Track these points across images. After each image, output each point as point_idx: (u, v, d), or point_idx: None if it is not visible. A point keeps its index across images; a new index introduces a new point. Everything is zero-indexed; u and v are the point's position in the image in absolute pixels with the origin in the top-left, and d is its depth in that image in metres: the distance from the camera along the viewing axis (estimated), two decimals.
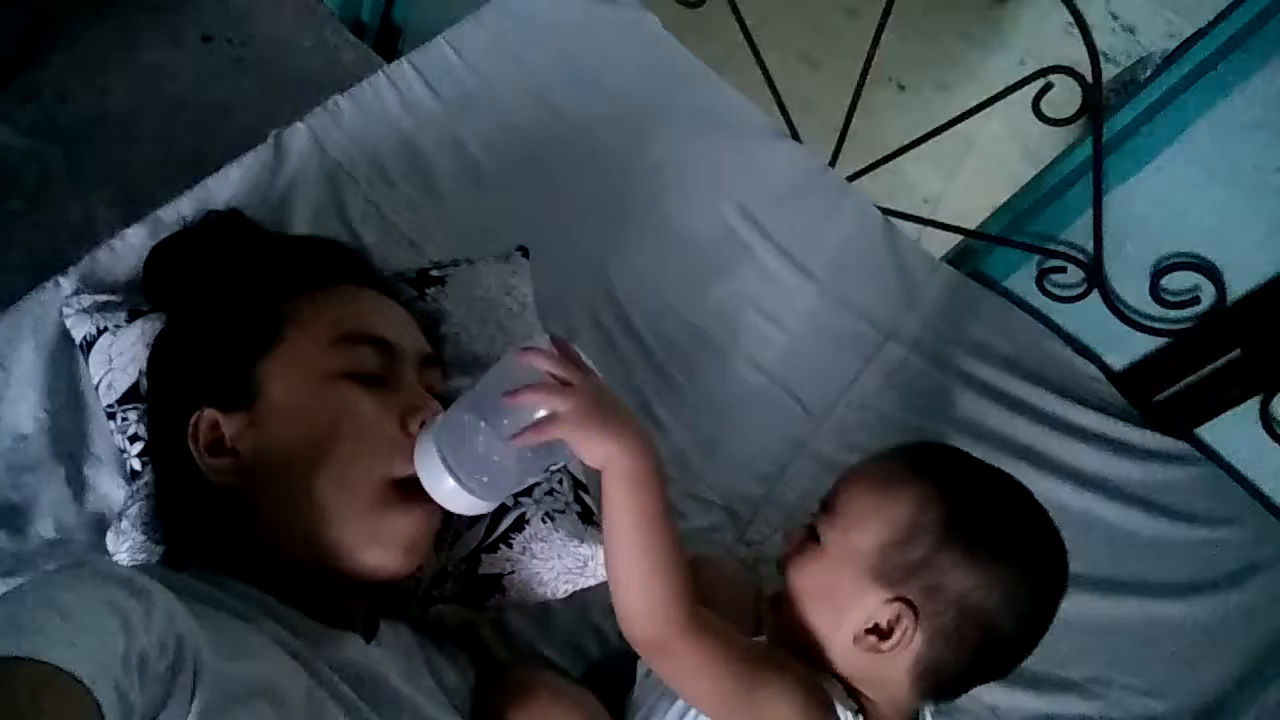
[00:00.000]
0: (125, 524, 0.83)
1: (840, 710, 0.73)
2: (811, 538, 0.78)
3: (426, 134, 1.24)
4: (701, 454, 1.15)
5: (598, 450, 0.70)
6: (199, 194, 1.07)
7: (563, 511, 0.88)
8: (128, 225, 1.04)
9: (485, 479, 0.71)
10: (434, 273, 1.03)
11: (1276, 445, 1.33)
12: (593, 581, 0.89)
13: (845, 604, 0.75)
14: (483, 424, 0.71)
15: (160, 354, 0.85)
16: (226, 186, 1.09)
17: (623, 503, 0.71)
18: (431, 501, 0.73)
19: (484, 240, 1.15)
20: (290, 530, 0.74)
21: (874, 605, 0.73)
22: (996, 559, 0.72)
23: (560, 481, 0.91)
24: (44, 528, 0.87)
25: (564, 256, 1.20)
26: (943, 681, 0.75)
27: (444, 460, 0.70)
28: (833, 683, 0.75)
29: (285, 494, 0.73)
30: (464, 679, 0.85)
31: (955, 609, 0.72)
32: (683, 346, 1.22)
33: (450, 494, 0.71)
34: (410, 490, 0.74)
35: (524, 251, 1.11)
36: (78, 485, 0.90)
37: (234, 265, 0.86)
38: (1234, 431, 1.37)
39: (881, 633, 0.73)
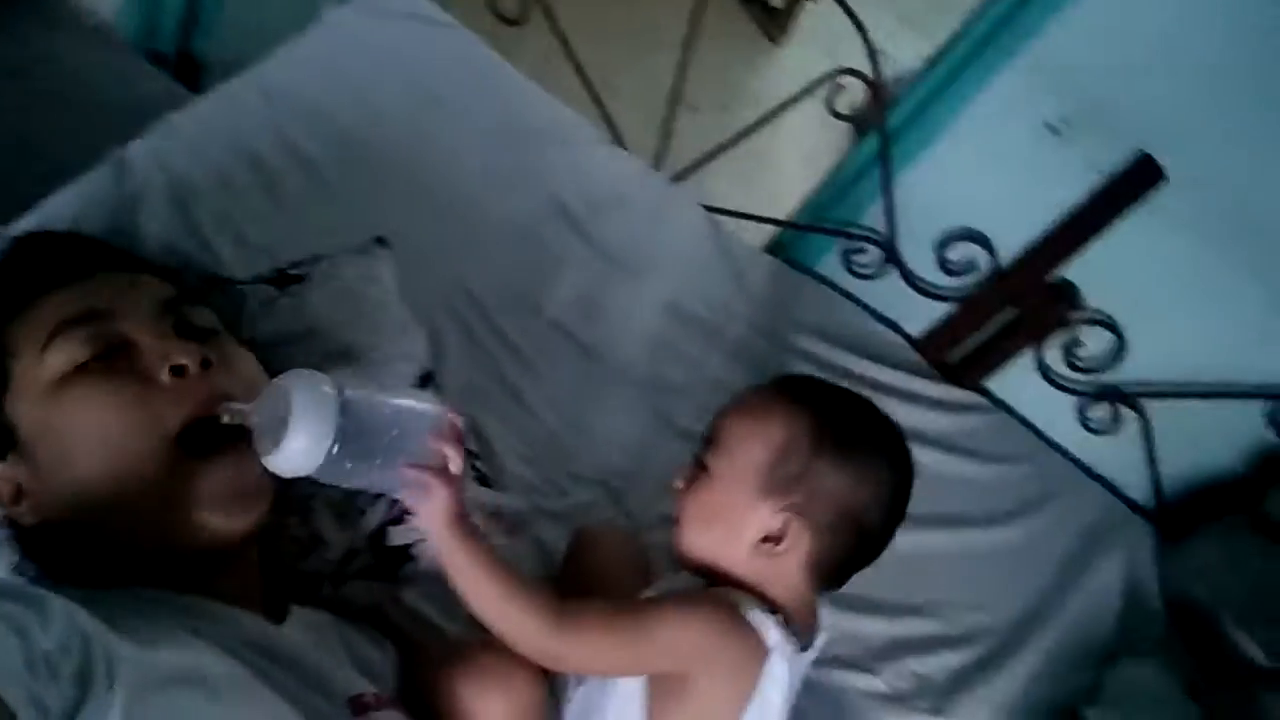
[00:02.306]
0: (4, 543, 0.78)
1: (760, 616, 0.81)
2: (700, 468, 0.88)
3: (266, 145, 1.24)
4: (573, 434, 1.21)
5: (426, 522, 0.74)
6: (44, 213, 1.03)
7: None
8: None
9: (344, 462, 0.68)
10: (293, 271, 1.04)
11: (1051, 389, 1.56)
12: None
13: (739, 520, 0.84)
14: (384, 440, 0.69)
15: None
16: (67, 208, 1.05)
17: (457, 555, 0.74)
18: (232, 448, 0.71)
19: (336, 243, 1.16)
20: (125, 530, 0.72)
21: (766, 516, 0.84)
22: (861, 459, 0.84)
23: None
24: None
25: (415, 255, 1.22)
26: (829, 572, 0.86)
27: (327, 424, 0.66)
28: (744, 596, 0.83)
29: (93, 507, 0.71)
30: (385, 657, 0.86)
31: (833, 506, 0.83)
32: (543, 337, 1.28)
33: (302, 450, 0.66)
34: (196, 441, 0.72)
35: (381, 241, 1.13)
36: None
37: None
38: (1016, 381, 1.58)
39: (774, 539, 0.83)
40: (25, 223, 1.01)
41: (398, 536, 0.88)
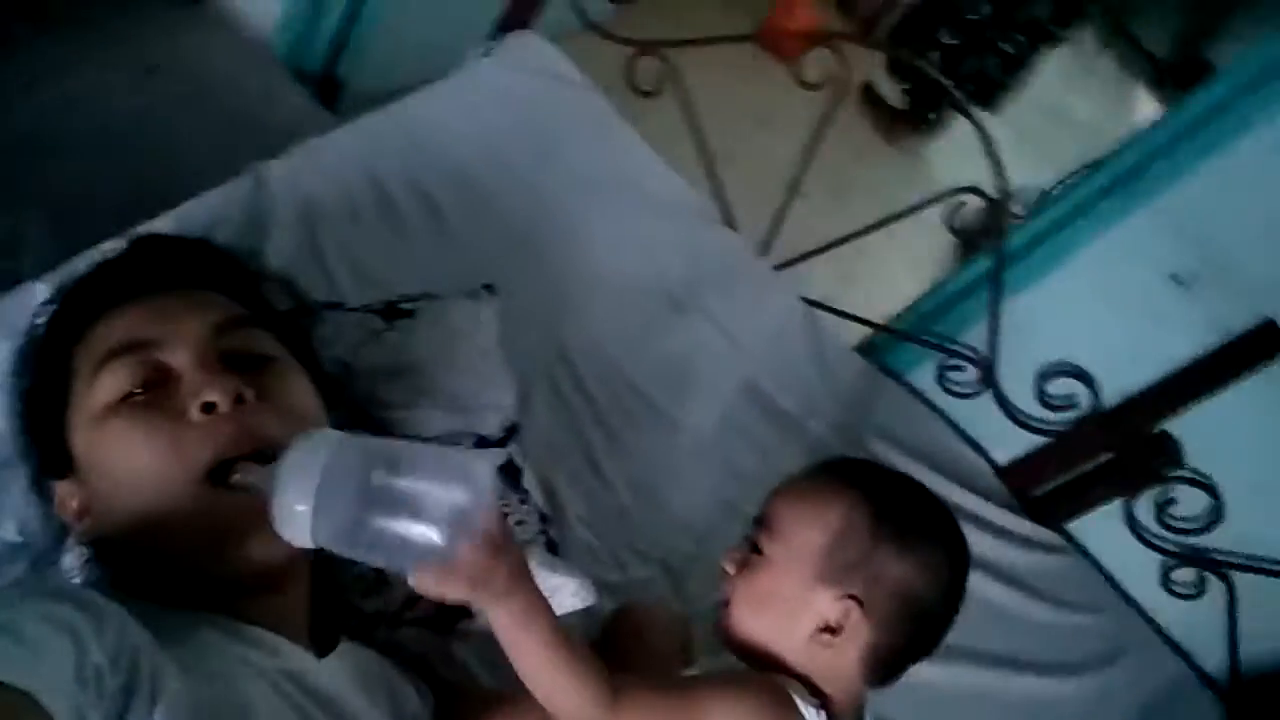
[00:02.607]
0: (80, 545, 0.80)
1: (803, 706, 0.78)
2: (753, 551, 0.85)
3: (397, 180, 1.28)
4: (642, 508, 1.20)
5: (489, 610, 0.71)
6: (180, 215, 1.07)
7: (531, 541, 0.92)
8: (58, 246, 1.02)
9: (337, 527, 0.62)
10: (402, 305, 1.06)
11: (1137, 543, 1.49)
12: (559, 612, 0.91)
13: (796, 608, 0.82)
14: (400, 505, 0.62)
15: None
16: (204, 214, 1.09)
17: (515, 640, 0.72)
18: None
19: (447, 283, 1.18)
20: (172, 555, 0.72)
21: (824, 605, 0.81)
22: (921, 545, 0.82)
23: (529, 514, 0.94)
24: (7, 530, 0.85)
25: (520, 306, 1.24)
26: (887, 664, 0.83)
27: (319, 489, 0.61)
28: (792, 682, 0.80)
29: (140, 533, 0.72)
30: (425, 705, 0.85)
31: (895, 595, 0.81)
32: (628, 404, 1.28)
33: (296, 517, 0.62)
34: (225, 473, 0.70)
35: (490, 289, 1.14)
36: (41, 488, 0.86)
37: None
38: (1101, 528, 1.52)
39: (833, 629, 0.81)
40: (161, 223, 1.05)
41: None
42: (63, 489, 0.76)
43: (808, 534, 0.82)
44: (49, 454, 0.76)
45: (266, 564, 0.72)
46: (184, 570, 0.73)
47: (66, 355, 0.76)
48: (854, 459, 0.94)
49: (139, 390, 0.72)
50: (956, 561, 0.85)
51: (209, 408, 0.72)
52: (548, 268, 1.35)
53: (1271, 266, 1.25)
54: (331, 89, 1.99)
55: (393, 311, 1.05)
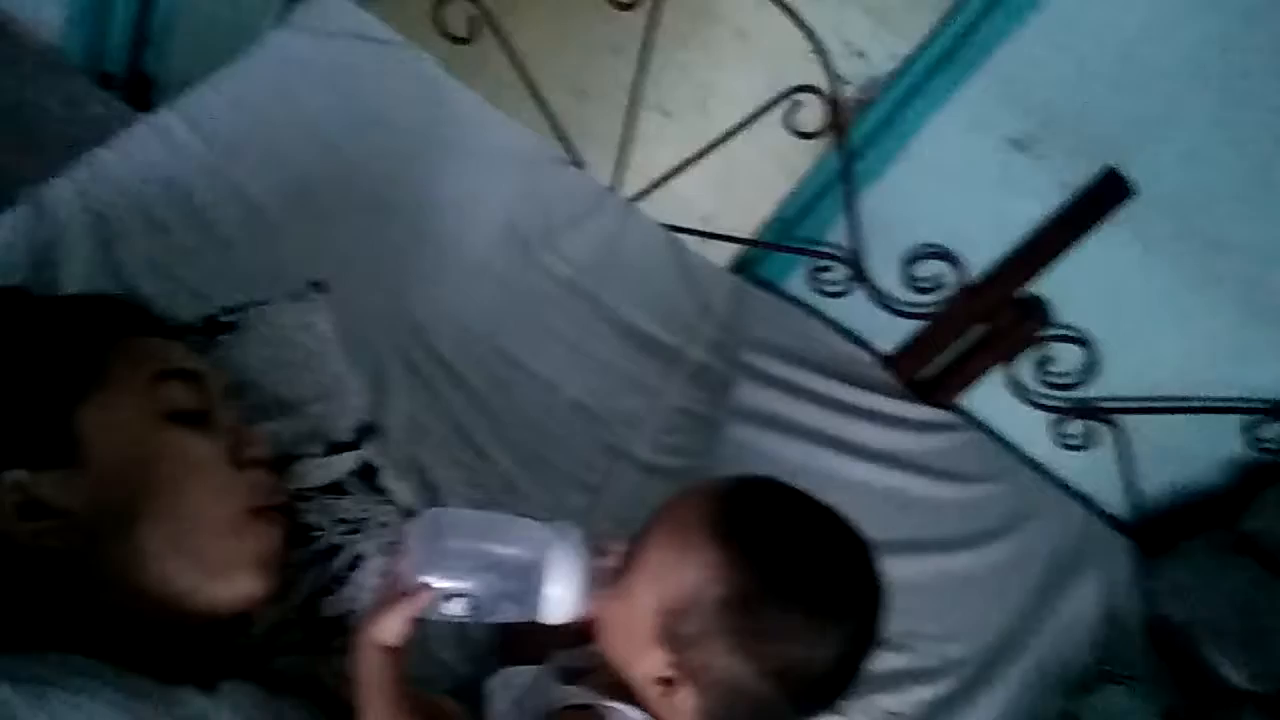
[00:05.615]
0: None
1: None
2: (621, 571, 0.76)
3: (200, 181, 1.19)
4: (526, 473, 1.16)
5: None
6: None
7: (398, 542, 0.88)
8: None
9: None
10: (223, 319, 1.00)
11: (1024, 406, 1.52)
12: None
13: (636, 650, 0.74)
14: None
15: None
16: None
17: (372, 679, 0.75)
18: (271, 519, 0.78)
19: (274, 284, 1.11)
20: (135, 579, 0.71)
21: (656, 661, 0.72)
22: (769, 651, 0.69)
23: (391, 514, 0.91)
24: None
25: (362, 293, 1.18)
26: None
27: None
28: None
29: (127, 544, 0.71)
30: None
31: (725, 689, 0.71)
32: (494, 370, 1.23)
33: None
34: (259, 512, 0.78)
35: (317, 286, 1.08)
36: None
37: (10, 328, 0.80)
38: (989, 398, 1.55)
39: (669, 683, 0.72)
40: None
41: (330, 607, 0.84)
42: (24, 480, 0.70)
43: (657, 585, 0.72)
44: (49, 440, 0.72)
45: (232, 603, 0.77)
46: (122, 596, 0.71)
47: (98, 352, 0.76)
48: (754, 482, 0.77)
49: (199, 414, 0.78)
50: (836, 662, 0.71)
51: (256, 462, 0.80)
52: (387, 245, 1.28)
53: (1101, 117, 1.25)
54: (142, 88, 1.86)
55: (212, 326, 0.98)
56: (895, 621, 1.25)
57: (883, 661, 1.25)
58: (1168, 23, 1.15)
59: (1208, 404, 1.43)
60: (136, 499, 0.72)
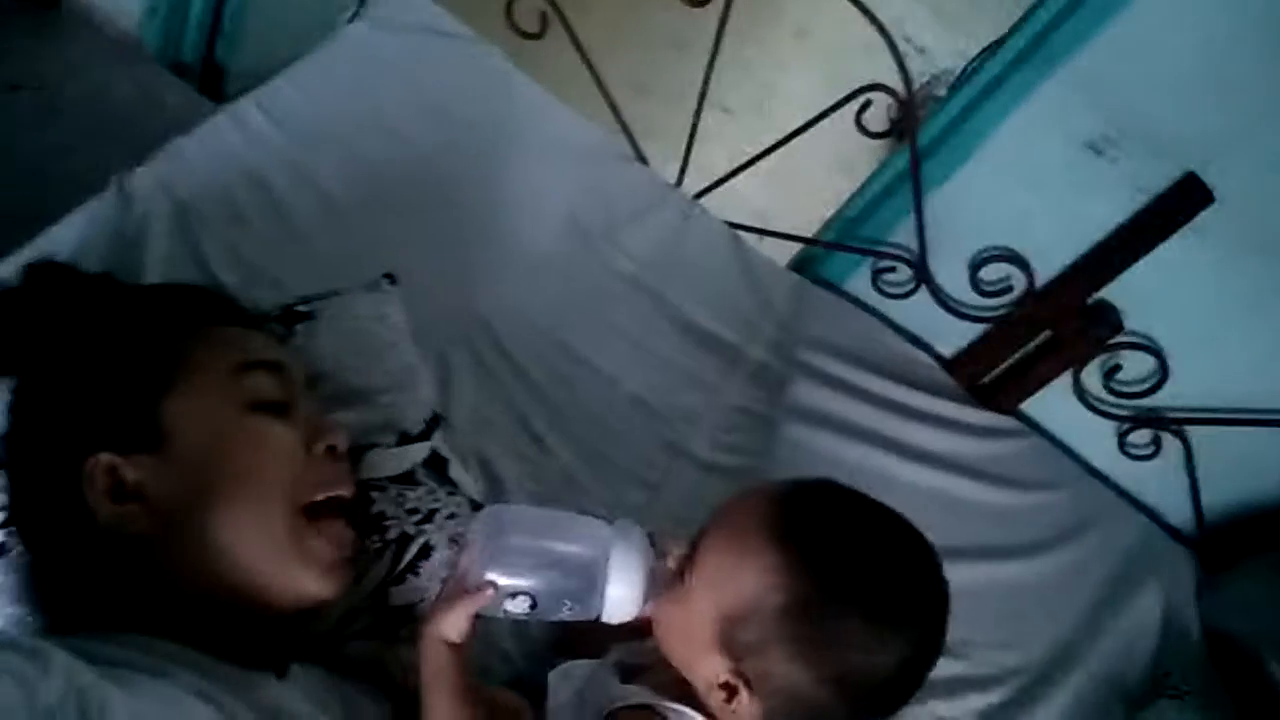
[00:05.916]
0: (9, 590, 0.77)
1: None
2: (680, 574, 0.76)
3: (278, 171, 1.22)
4: (586, 468, 1.17)
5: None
6: (42, 244, 1.01)
7: (466, 534, 0.89)
8: None
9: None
10: (300, 308, 1.02)
11: (1089, 414, 1.50)
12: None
13: (696, 655, 0.74)
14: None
15: (25, 412, 0.80)
16: (70, 236, 1.03)
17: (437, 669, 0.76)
18: (341, 518, 0.79)
19: (346, 273, 1.13)
20: (211, 568, 0.73)
21: (717, 667, 0.72)
22: (829, 658, 0.69)
23: (460, 505, 0.92)
24: None
25: (428, 285, 1.20)
26: None
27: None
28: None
29: (204, 532, 0.73)
30: (381, 714, 0.84)
31: (785, 697, 0.71)
32: (556, 365, 1.24)
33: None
34: (319, 513, 0.77)
35: (390, 278, 1.10)
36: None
37: (100, 315, 0.83)
38: (1053, 404, 1.52)
39: (730, 690, 0.73)
40: (24, 254, 0.99)
41: (399, 597, 0.86)
42: (115, 463, 0.73)
43: (718, 591, 0.72)
44: (138, 426, 0.74)
45: (300, 600, 0.77)
46: (198, 583, 0.73)
47: (181, 341, 0.78)
48: (815, 486, 0.75)
49: (281, 404, 0.79)
50: (900, 672, 0.72)
51: (331, 449, 0.81)
52: (455, 237, 1.29)
53: (1183, 120, 1.22)
54: (215, 77, 1.90)
55: (290, 316, 1.00)
56: (952, 628, 1.27)
57: (938, 667, 1.24)
58: (1255, 32, 1.12)
59: (1278, 417, 1.39)
60: (217, 486, 0.74)
